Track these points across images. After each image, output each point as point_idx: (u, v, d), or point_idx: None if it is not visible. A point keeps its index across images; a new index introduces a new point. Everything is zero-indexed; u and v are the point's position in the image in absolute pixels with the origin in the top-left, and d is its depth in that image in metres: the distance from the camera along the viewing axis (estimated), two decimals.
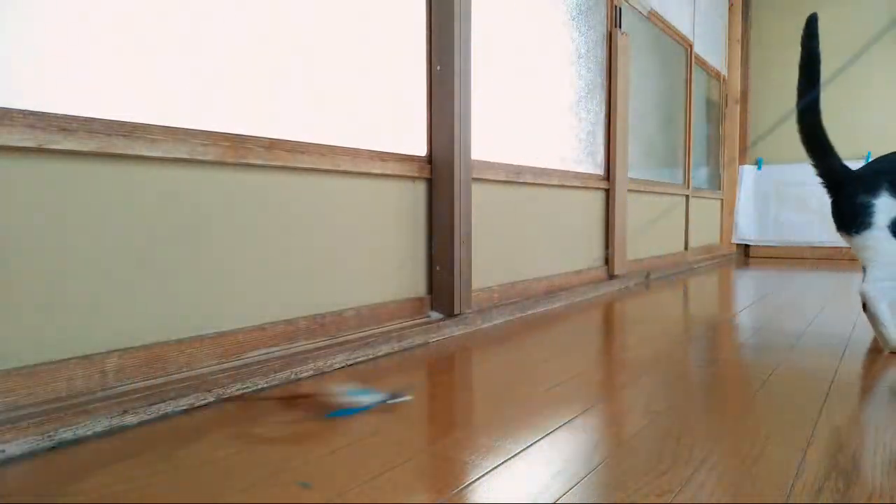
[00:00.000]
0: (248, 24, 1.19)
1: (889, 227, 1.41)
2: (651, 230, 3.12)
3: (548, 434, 0.90)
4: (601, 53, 2.53)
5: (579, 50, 2.37)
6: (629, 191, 2.79)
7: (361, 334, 1.40)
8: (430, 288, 1.67)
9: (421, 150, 1.63)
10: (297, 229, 1.29)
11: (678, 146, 3.58)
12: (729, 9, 4.38)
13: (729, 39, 4.40)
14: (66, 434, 0.87)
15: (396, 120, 1.56)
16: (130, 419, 0.94)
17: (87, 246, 0.95)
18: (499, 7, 1.91)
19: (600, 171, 2.56)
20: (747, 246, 4.50)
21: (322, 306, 1.35)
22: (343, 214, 1.40)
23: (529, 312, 1.99)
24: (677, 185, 3.52)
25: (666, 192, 3.30)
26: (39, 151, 0.89)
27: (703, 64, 3.92)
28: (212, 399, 1.05)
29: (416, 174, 1.59)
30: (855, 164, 1.64)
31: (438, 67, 1.62)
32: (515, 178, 1.96)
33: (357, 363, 1.33)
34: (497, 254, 1.92)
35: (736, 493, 0.71)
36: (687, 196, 3.67)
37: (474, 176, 1.76)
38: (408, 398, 1.08)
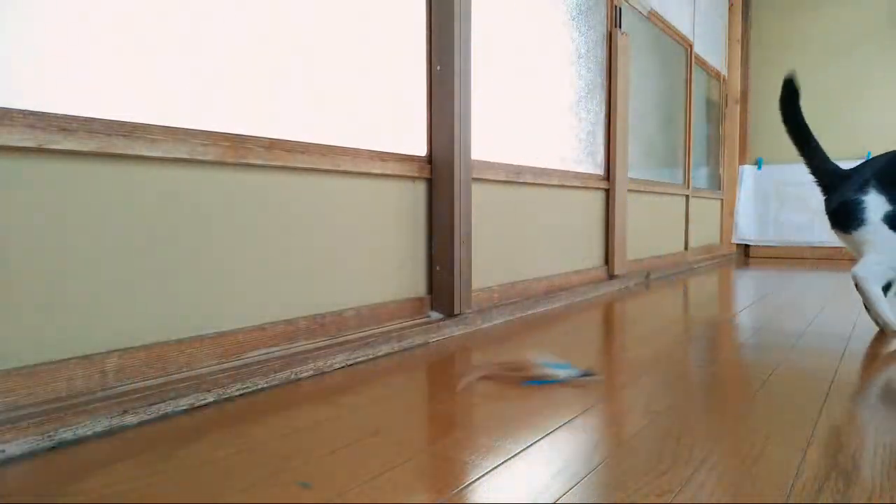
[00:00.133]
0: (248, 24, 1.19)
1: (883, 220, 1.54)
2: (651, 230, 3.12)
3: (548, 434, 0.90)
4: (601, 53, 2.53)
5: (579, 50, 2.37)
6: (629, 191, 2.79)
7: (361, 334, 1.40)
8: (430, 288, 1.67)
9: (421, 150, 1.63)
10: (297, 229, 1.29)
11: (678, 146, 3.58)
12: (729, 9, 4.39)
13: (729, 39, 4.40)
14: (66, 434, 0.87)
15: (396, 120, 1.56)
16: (130, 419, 0.94)
17: (87, 246, 0.95)
18: (499, 7, 1.91)
19: (600, 171, 2.56)
20: (747, 246, 4.50)
21: (322, 306, 1.35)
22: (343, 214, 1.40)
23: (529, 312, 1.99)
24: (677, 185, 3.52)
25: (666, 192, 3.31)
26: (39, 151, 0.89)
27: (703, 64, 3.92)
28: (212, 399, 1.05)
29: (416, 174, 1.59)
30: (855, 165, 1.67)
31: (438, 67, 1.62)
32: (515, 178, 1.96)
33: (357, 363, 1.33)
34: (497, 254, 1.92)
35: (736, 493, 0.71)
36: (687, 196, 3.67)
37: (474, 176, 1.76)
38: (598, 377, 1.19)
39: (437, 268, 1.65)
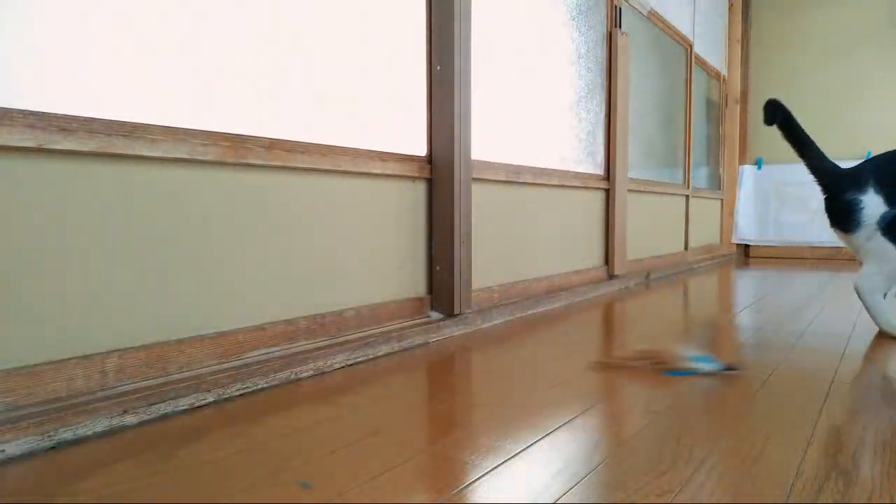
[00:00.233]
0: (248, 24, 1.19)
1: (878, 223, 1.55)
2: (651, 230, 3.12)
3: (548, 434, 0.90)
4: (601, 53, 2.53)
5: (579, 50, 2.37)
6: (629, 191, 2.79)
7: (361, 334, 1.40)
8: (430, 288, 1.67)
9: (421, 150, 1.63)
10: (297, 229, 1.29)
11: (678, 146, 3.58)
12: (729, 9, 4.38)
13: (729, 39, 4.40)
14: (66, 434, 0.87)
15: (396, 120, 1.56)
16: (130, 419, 0.94)
17: (87, 246, 0.95)
18: (499, 7, 1.91)
19: (600, 171, 2.56)
20: (747, 246, 4.50)
21: (322, 306, 1.35)
22: (343, 214, 1.40)
23: (529, 312, 1.99)
24: (677, 185, 3.52)
25: (666, 192, 3.31)
26: (39, 151, 0.89)
27: (703, 64, 3.92)
28: (212, 399, 1.05)
29: (416, 174, 1.59)
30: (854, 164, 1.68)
31: (438, 67, 1.62)
32: (515, 178, 1.96)
33: (357, 363, 1.33)
34: (497, 254, 1.92)
35: (736, 493, 0.71)
36: (687, 196, 3.67)
37: (474, 176, 1.76)
38: (738, 371, 1.22)
39: (437, 268, 1.65)
